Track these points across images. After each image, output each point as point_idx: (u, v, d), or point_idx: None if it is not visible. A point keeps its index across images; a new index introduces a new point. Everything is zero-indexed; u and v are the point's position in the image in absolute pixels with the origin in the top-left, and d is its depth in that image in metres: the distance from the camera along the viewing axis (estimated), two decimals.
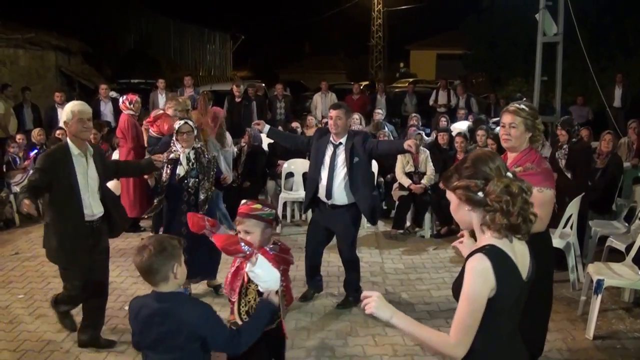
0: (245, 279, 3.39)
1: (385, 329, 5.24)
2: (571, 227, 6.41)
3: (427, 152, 8.53)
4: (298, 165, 8.91)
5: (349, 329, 5.34)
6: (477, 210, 2.35)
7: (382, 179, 9.07)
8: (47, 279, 6.50)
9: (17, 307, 5.84)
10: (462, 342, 2.25)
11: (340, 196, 5.64)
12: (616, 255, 6.16)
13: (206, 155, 5.81)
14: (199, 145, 5.81)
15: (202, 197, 5.68)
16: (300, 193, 8.60)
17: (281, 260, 3.46)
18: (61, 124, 4.92)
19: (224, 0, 42.57)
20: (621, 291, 5.90)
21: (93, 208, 4.77)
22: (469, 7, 25.79)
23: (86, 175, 4.72)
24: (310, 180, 5.92)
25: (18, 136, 10.08)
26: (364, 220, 8.46)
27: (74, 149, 4.68)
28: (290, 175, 9.05)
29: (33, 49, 15.24)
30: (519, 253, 2.35)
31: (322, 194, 5.71)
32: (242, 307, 3.42)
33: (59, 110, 11.21)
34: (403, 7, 40.82)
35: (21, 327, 5.39)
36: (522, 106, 3.94)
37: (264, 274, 3.20)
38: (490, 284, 2.23)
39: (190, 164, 5.66)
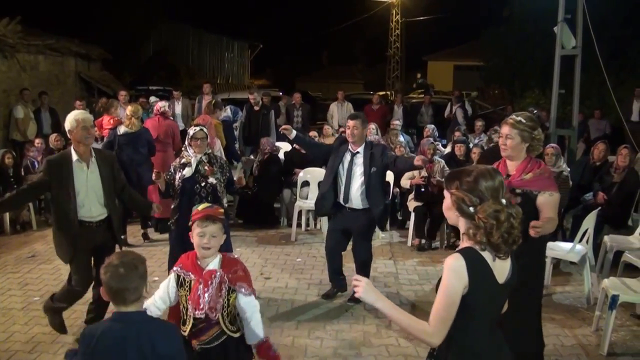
0: (225, 291, 3.39)
1: (399, 340, 5.25)
2: (587, 242, 6.38)
3: (442, 161, 8.52)
4: (314, 174, 8.91)
5: (362, 338, 5.34)
6: (464, 219, 2.53)
7: (397, 190, 9.07)
8: (63, 282, 6.46)
9: (32, 309, 5.89)
10: (438, 331, 2.42)
11: (357, 201, 6.01)
12: (631, 271, 6.14)
13: (218, 160, 5.92)
14: (209, 151, 5.91)
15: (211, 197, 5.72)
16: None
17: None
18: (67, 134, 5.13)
19: (243, 9, 42.91)
20: (636, 307, 5.85)
21: (92, 211, 5.07)
22: (487, 19, 25.78)
23: (86, 179, 5.02)
24: (325, 184, 6.25)
25: (37, 140, 10.21)
26: (379, 230, 8.56)
27: (74, 155, 5.00)
28: (305, 184, 9.06)
29: (53, 54, 15.39)
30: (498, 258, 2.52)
31: (340, 198, 6.10)
32: (226, 317, 3.43)
33: None
34: (421, 18, 40.85)
35: (36, 329, 5.43)
36: (520, 118, 4.11)
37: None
38: (463, 281, 2.42)
39: (199, 168, 5.71)
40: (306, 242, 8.38)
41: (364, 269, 6.22)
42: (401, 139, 10.74)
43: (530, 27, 20.12)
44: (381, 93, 25.86)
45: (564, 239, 7.41)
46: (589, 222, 6.34)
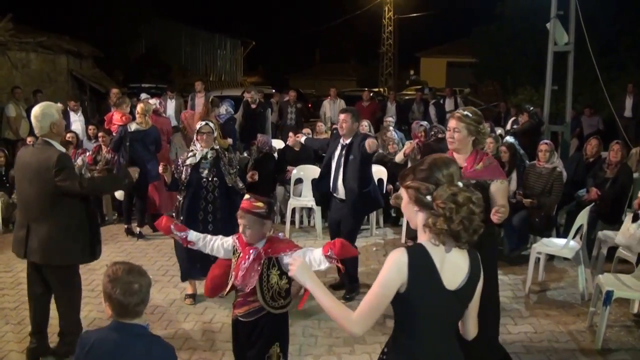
0: (265, 267, 3.59)
1: None
2: (581, 238, 6.38)
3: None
4: (307, 172, 8.91)
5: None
6: (423, 212, 2.44)
7: (391, 186, 9.04)
8: None
9: (25, 309, 5.83)
10: (362, 321, 2.38)
11: (342, 190, 6.24)
12: (626, 266, 6.15)
13: (226, 155, 6.07)
14: (218, 147, 6.04)
15: (217, 194, 5.92)
16: (309, 199, 8.62)
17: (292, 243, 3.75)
18: (40, 129, 4.60)
19: (236, 6, 42.82)
20: (630, 303, 5.86)
21: None
22: (480, 16, 25.78)
23: None
24: (321, 175, 6.59)
25: (29, 139, 10.12)
26: (373, 227, 8.57)
27: (62, 149, 4.75)
28: (299, 181, 9.05)
29: (45, 52, 15.33)
30: (451, 262, 2.44)
31: (330, 187, 6.38)
32: (266, 293, 3.60)
33: (71, 114, 11.30)
34: (414, 14, 40.86)
35: (29, 328, 5.38)
36: (466, 113, 4.29)
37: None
38: (402, 277, 2.35)
39: (207, 162, 5.88)
40: (300, 240, 8.37)
41: (350, 262, 6.22)
42: (395, 136, 10.71)
43: (522, 23, 20.15)
44: (375, 90, 25.85)
45: (558, 235, 7.43)
46: (583, 218, 6.34)
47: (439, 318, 2.46)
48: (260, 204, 3.58)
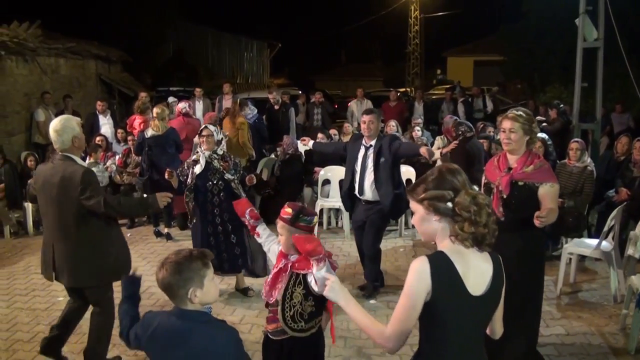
0: (291, 282, 3.36)
1: None
2: (613, 238, 6.28)
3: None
4: (335, 172, 8.89)
5: None
6: (443, 221, 2.41)
7: None
8: None
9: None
10: (394, 335, 2.35)
11: (369, 193, 6.19)
12: None
13: (232, 159, 6.16)
14: (221, 152, 6.13)
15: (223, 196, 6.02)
16: (336, 200, 8.60)
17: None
18: (61, 144, 4.38)
19: (261, 8, 43.01)
20: None
21: None
22: (506, 14, 25.58)
23: None
24: (346, 180, 6.47)
25: None
26: (402, 228, 8.54)
27: (84, 164, 4.60)
28: (326, 182, 9.04)
29: (74, 57, 15.50)
30: (474, 268, 2.41)
31: (356, 191, 6.29)
32: (287, 311, 3.36)
33: (100, 117, 11.46)
34: (440, 13, 40.69)
35: None
36: (520, 112, 4.26)
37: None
38: (426, 285, 2.32)
39: (211, 166, 6.00)
40: (328, 241, 8.35)
41: (370, 263, 6.35)
42: (423, 136, 10.65)
43: (550, 20, 19.92)
44: (401, 90, 25.76)
45: (590, 236, 7.32)
46: (615, 218, 6.24)
47: (466, 325, 2.42)
48: (288, 210, 3.38)
